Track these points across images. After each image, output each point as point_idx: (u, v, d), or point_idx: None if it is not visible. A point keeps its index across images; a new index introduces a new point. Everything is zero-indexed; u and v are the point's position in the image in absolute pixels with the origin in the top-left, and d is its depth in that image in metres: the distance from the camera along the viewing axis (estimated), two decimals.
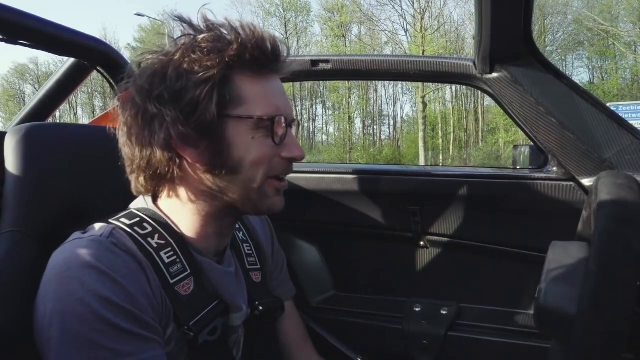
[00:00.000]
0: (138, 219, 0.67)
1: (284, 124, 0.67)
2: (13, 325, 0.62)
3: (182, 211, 0.69)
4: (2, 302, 0.62)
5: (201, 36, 0.63)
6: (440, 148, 25.35)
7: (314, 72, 1.18)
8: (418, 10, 21.73)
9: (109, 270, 0.58)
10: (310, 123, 30.26)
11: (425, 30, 21.36)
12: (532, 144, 1.11)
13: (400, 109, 37.74)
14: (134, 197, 0.74)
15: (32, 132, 0.75)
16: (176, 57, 0.63)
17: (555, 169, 1.04)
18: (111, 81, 1.13)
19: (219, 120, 0.63)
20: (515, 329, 1.08)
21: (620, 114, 1.14)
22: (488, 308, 1.16)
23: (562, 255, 0.55)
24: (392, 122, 29.24)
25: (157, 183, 0.68)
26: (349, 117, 27.25)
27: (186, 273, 0.66)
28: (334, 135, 29.48)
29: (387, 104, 29.56)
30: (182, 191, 0.68)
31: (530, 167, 1.14)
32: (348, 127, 27.48)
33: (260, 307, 0.78)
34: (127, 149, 0.67)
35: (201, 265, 0.70)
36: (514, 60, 1.01)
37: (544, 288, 0.55)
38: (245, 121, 0.64)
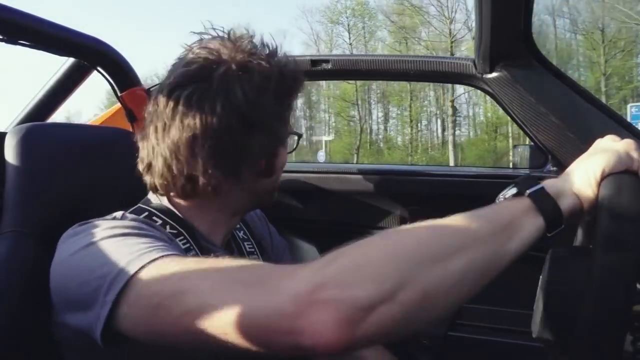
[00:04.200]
0: (147, 212, 0.68)
1: None
2: (13, 324, 0.62)
3: (203, 210, 0.71)
4: (2, 301, 0.62)
5: None
6: (511, 148, 24.91)
7: (314, 72, 1.18)
8: (446, 15, 21.71)
9: (116, 220, 0.61)
10: (377, 126, 30.13)
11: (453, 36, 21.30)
12: (532, 144, 1.11)
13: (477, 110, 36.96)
14: (134, 197, 0.74)
15: (32, 132, 0.75)
16: None
17: (555, 169, 1.04)
18: (111, 81, 1.12)
19: None
20: (515, 328, 1.08)
21: None
22: (488, 308, 1.16)
23: (559, 272, 0.54)
24: (471, 123, 28.51)
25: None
26: (411, 120, 27.11)
27: None
28: (402, 137, 29.20)
29: (467, 104, 28.45)
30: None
31: (530, 167, 1.14)
32: (410, 131, 27.41)
33: None
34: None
35: (212, 252, 0.71)
36: (514, 60, 1.01)
37: (539, 321, 0.54)
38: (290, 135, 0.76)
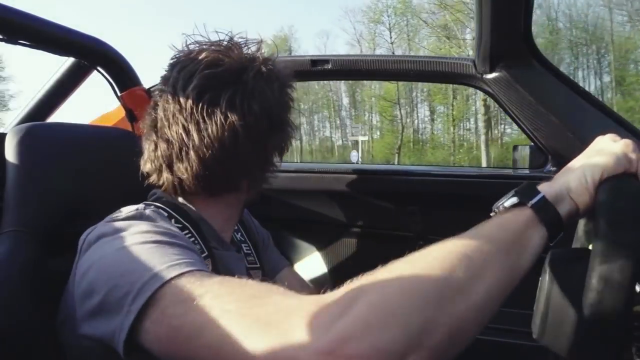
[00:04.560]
0: (153, 206, 0.68)
1: None
2: (14, 324, 0.62)
3: (220, 204, 0.73)
4: (3, 301, 0.62)
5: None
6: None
7: (314, 72, 1.18)
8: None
9: (144, 220, 0.61)
10: (422, 125, 29.83)
11: None
12: (532, 144, 1.11)
13: None
14: (134, 196, 0.74)
15: (32, 132, 0.75)
16: None
17: (554, 169, 1.04)
18: (111, 81, 1.12)
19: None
20: (515, 328, 1.08)
21: None
22: None
23: (559, 274, 0.53)
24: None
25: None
26: (453, 119, 26.92)
27: (204, 255, 0.68)
28: (448, 136, 28.62)
29: None
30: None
31: (530, 167, 1.14)
32: (452, 129, 27.26)
33: None
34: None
35: (217, 250, 0.72)
36: (514, 60, 1.01)
37: (538, 324, 0.54)
38: None
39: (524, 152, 1.16)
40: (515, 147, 1.23)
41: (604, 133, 0.61)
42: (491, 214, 0.54)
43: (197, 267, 0.52)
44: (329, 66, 1.17)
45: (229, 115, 0.65)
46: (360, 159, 21.44)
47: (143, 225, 0.59)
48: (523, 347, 1.05)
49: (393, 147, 26.94)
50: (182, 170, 0.68)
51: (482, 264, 0.45)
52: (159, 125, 0.69)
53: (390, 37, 27.46)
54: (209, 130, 0.65)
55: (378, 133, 30.81)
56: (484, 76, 1.05)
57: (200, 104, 0.66)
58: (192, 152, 0.66)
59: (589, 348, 0.47)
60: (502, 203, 0.53)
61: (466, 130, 28.22)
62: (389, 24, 27.76)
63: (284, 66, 0.75)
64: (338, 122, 35.11)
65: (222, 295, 0.47)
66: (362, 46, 29.07)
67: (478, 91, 1.11)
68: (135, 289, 0.50)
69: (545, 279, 0.54)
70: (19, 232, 0.68)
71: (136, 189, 0.73)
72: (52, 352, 0.62)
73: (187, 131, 0.66)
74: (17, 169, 0.72)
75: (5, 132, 0.77)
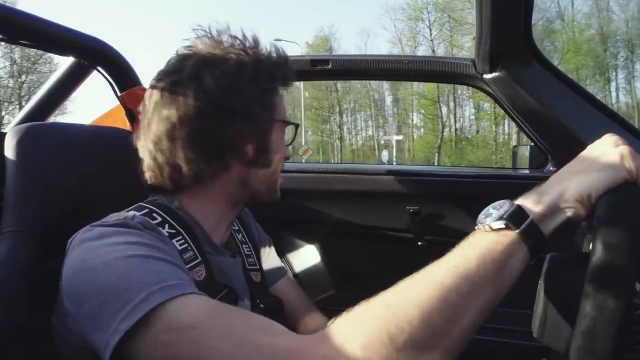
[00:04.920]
0: (147, 210, 0.68)
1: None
2: (14, 324, 0.62)
3: (204, 201, 0.72)
4: (3, 301, 0.62)
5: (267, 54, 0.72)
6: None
7: (314, 71, 1.18)
8: None
9: (131, 229, 0.60)
10: (468, 123, 29.26)
11: None
12: (532, 144, 1.11)
13: None
14: (134, 196, 0.74)
15: (32, 132, 0.75)
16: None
17: (555, 169, 1.04)
18: (111, 81, 1.12)
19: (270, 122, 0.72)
20: (515, 328, 1.08)
21: None
22: None
23: (558, 277, 0.53)
24: None
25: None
26: (495, 117, 26.46)
27: (197, 261, 0.67)
28: (489, 134, 27.90)
29: None
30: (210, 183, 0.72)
31: (530, 167, 1.14)
32: (493, 128, 26.76)
33: (262, 305, 0.79)
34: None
35: (211, 255, 0.71)
36: (514, 60, 1.01)
37: (537, 325, 0.54)
38: (281, 124, 0.74)
39: (524, 152, 1.16)
40: (515, 147, 1.23)
41: (604, 133, 0.60)
42: (475, 227, 0.53)
43: (188, 290, 0.53)
44: (329, 66, 1.17)
45: (165, 107, 0.67)
46: (394, 158, 21.14)
47: (130, 236, 0.58)
48: (523, 347, 1.05)
49: (433, 146, 26.55)
50: (159, 162, 0.69)
51: (460, 306, 0.46)
52: (141, 122, 0.72)
53: (430, 34, 27.07)
54: (152, 125, 0.68)
55: (421, 131, 30.31)
56: (484, 76, 1.05)
57: (150, 101, 0.69)
58: (145, 148, 0.70)
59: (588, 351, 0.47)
60: (488, 223, 0.51)
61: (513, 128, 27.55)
62: (429, 21, 27.34)
63: (266, 54, 0.72)
64: (381, 121, 34.89)
65: (214, 329, 0.49)
66: (403, 44, 28.65)
67: None
68: (126, 309, 0.50)
69: (544, 282, 0.54)
70: (19, 232, 0.68)
71: (136, 189, 0.73)
72: (52, 352, 0.62)
73: (143, 128, 0.70)
74: (17, 168, 0.72)
75: (5, 132, 0.77)
